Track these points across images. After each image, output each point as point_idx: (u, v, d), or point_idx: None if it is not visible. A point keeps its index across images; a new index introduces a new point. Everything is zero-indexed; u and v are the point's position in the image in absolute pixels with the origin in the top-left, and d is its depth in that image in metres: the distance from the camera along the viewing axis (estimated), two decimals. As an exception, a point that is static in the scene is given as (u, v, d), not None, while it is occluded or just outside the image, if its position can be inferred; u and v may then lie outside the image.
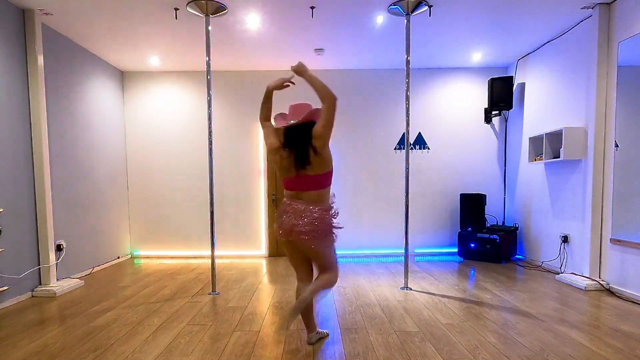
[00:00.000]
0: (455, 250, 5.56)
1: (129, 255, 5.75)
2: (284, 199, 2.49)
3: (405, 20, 3.76)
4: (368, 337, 2.74)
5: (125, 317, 3.17)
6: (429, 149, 5.71)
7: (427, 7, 3.65)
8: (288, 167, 2.38)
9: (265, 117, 2.58)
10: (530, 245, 5.13)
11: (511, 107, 5.29)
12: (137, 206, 5.75)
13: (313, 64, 5.37)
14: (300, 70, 2.40)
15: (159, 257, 5.68)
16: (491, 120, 5.66)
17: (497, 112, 5.50)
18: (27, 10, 3.73)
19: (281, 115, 2.49)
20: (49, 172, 3.92)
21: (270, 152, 2.48)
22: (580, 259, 4.08)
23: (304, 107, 2.39)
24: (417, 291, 3.85)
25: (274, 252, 5.75)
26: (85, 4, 3.63)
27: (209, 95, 3.81)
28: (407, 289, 3.90)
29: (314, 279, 2.55)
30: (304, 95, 2.61)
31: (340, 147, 5.54)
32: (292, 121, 2.38)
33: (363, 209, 5.72)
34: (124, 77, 5.64)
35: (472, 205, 5.36)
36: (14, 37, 3.64)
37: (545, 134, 4.40)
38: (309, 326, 2.65)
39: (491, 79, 5.27)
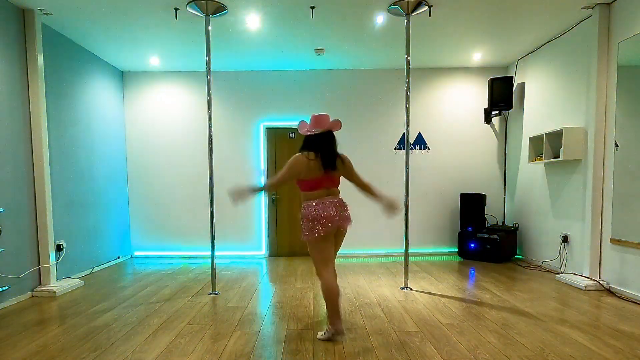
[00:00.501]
0: (455, 250, 5.56)
1: (129, 256, 5.75)
2: (309, 201, 2.69)
3: (405, 20, 3.76)
4: (368, 337, 2.74)
5: (125, 317, 3.17)
6: (429, 149, 5.71)
7: (427, 7, 3.65)
8: (316, 168, 2.67)
9: (275, 183, 2.82)
10: (530, 245, 5.13)
11: (511, 107, 5.28)
12: (137, 206, 5.75)
13: (313, 64, 5.38)
14: (394, 209, 3.01)
15: (159, 257, 5.68)
16: (491, 120, 5.66)
17: (497, 112, 5.50)
18: (27, 10, 3.73)
19: (303, 124, 2.83)
20: (49, 172, 3.92)
21: (298, 164, 2.67)
22: (580, 259, 4.08)
23: (325, 118, 2.76)
24: (417, 291, 3.85)
25: (274, 252, 5.75)
26: (85, 4, 3.63)
27: (209, 95, 3.81)
28: (407, 289, 3.90)
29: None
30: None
31: (340, 147, 5.46)
32: (314, 130, 2.73)
33: (363, 208, 5.70)
34: (124, 77, 5.64)
35: (472, 205, 5.37)
36: (14, 37, 3.64)
37: (545, 134, 4.40)
38: (340, 317, 2.72)
39: (491, 79, 5.27)
